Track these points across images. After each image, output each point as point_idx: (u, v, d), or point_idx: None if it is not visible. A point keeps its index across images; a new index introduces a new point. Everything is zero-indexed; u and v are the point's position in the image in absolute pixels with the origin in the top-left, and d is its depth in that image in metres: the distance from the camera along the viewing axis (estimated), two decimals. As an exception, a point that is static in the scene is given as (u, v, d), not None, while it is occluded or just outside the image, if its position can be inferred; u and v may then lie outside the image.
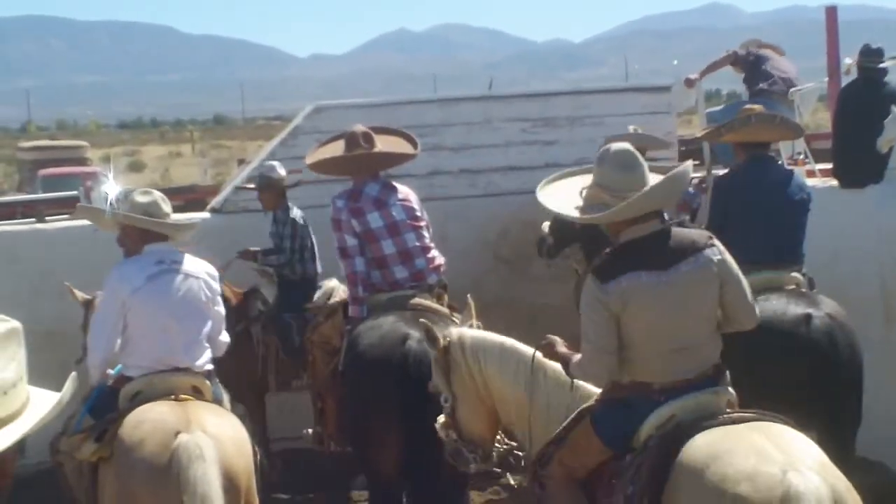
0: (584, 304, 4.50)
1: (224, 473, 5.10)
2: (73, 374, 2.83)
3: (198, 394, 5.68)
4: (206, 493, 4.95)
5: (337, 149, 7.37)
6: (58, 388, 2.76)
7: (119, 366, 5.93)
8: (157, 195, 6.12)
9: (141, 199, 6.04)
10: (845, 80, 9.28)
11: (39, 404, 2.70)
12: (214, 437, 5.19)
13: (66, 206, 11.07)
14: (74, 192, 11.38)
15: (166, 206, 6.03)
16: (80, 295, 7.70)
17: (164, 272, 5.80)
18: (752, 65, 10.50)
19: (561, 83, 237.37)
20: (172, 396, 5.56)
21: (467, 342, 5.45)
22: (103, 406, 5.74)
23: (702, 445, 4.20)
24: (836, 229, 8.23)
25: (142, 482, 5.14)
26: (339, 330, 7.36)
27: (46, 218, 10.38)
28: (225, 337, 6.10)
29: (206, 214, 9.74)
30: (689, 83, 10.62)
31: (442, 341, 5.51)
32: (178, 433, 5.15)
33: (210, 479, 5.01)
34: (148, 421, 5.33)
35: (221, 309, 6.07)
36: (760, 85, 10.34)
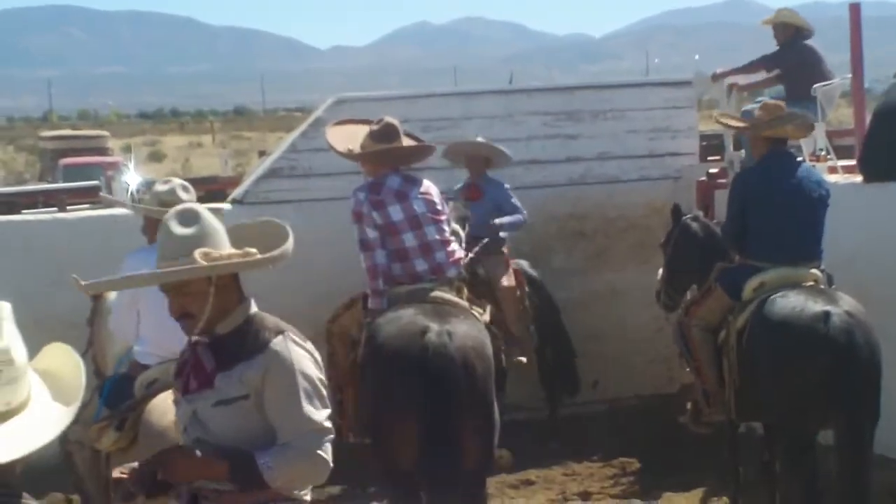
0: None
1: None
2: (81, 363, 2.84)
3: None
4: None
5: (360, 134, 7.27)
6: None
7: (125, 354, 5.94)
8: (177, 183, 6.12)
9: (160, 187, 6.06)
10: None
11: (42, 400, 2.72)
12: None
13: (87, 196, 11.10)
14: (95, 182, 11.41)
15: (185, 194, 6.02)
16: None
17: None
18: (792, 73, 10.30)
19: (581, 77, 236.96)
20: None
21: None
22: (118, 395, 5.74)
23: None
24: (858, 226, 8.19)
25: None
26: (359, 321, 7.34)
27: (67, 207, 10.41)
28: None
29: (227, 205, 9.75)
30: (715, 78, 10.59)
31: None
32: None
33: None
34: None
35: None
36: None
